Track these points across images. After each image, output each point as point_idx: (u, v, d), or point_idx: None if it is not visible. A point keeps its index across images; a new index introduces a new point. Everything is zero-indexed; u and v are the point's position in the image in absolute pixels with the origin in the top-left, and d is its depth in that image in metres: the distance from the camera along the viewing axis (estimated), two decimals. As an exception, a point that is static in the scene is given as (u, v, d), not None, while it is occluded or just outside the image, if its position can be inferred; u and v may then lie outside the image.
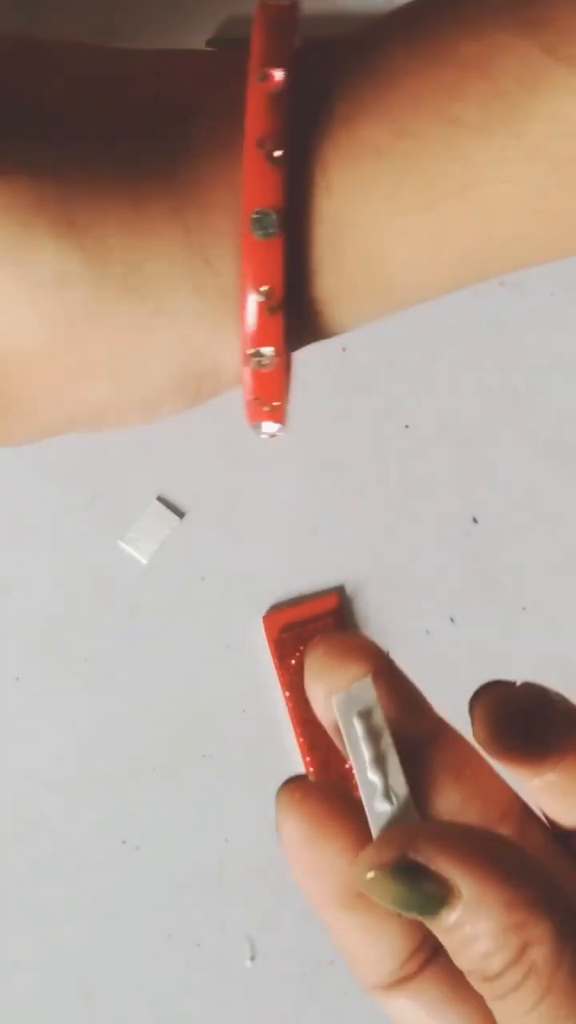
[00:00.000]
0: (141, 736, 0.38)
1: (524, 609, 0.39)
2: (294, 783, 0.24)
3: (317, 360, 0.40)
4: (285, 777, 0.32)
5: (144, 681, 0.39)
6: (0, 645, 0.39)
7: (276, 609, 0.39)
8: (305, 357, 0.39)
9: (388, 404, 0.39)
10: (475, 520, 0.39)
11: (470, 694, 0.24)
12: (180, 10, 0.41)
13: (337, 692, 0.23)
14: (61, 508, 0.39)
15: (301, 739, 0.38)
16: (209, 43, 0.40)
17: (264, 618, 0.38)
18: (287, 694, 0.38)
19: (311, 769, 0.38)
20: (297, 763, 0.38)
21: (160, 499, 0.39)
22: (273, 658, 0.38)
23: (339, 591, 0.39)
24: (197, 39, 0.41)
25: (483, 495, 0.39)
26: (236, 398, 0.39)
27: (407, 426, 0.39)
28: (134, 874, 0.38)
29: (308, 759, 0.38)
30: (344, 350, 0.40)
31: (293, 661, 0.38)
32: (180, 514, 0.39)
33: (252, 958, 0.37)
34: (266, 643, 0.38)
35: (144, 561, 0.39)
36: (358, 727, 0.23)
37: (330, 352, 0.40)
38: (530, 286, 0.40)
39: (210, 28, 0.41)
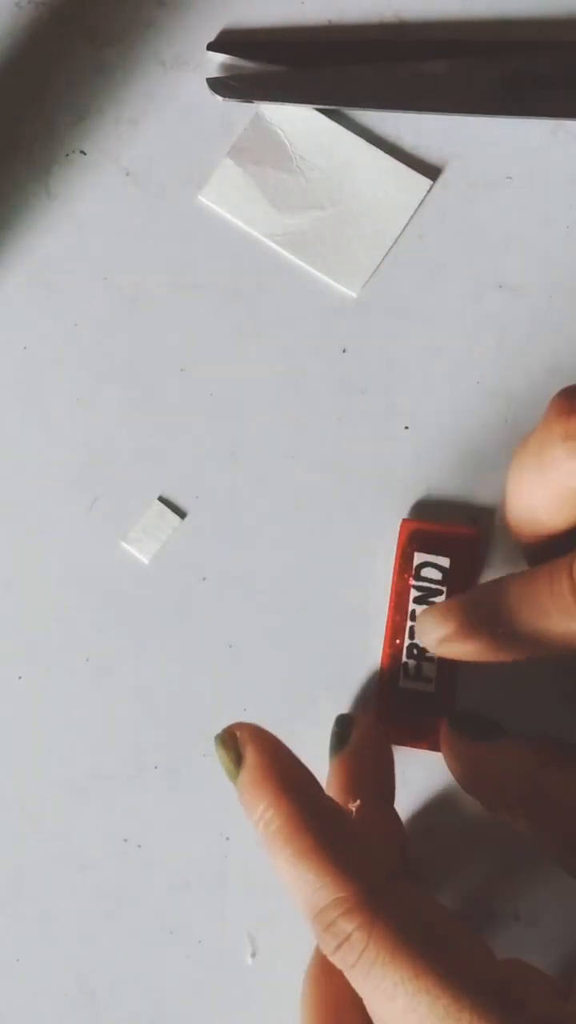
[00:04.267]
0: (142, 735, 0.38)
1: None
2: None
3: (317, 360, 0.40)
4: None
5: (145, 681, 0.39)
6: (2, 644, 0.39)
7: (415, 517, 0.39)
8: (305, 358, 0.40)
9: (388, 404, 0.40)
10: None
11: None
12: (181, 16, 0.42)
13: None
14: (63, 509, 0.40)
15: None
16: (209, 48, 0.41)
17: (404, 520, 0.39)
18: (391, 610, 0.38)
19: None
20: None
21: (162, 499, 0.40)
22: (396, 559, 0.38)
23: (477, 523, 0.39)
24: (198, 44, 0.41)
25: (482, 496, 0.39)
26: (239, 399, 0.40)
27: (407, 427, 0.40)
28: (135, 871, 0.38)
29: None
30: (344, 351, 0.40)
31: (407, 575, 0.38)
32: (182, 514, 0.40)
33: (253, 954, 0.37)
34: (267, 643, 0.39)
35: (146, 561, 0.39)
36: None
37: (330, 353, 0.40)
38: (529, 289, 0.40)
39: (211, 33, 0.42)
